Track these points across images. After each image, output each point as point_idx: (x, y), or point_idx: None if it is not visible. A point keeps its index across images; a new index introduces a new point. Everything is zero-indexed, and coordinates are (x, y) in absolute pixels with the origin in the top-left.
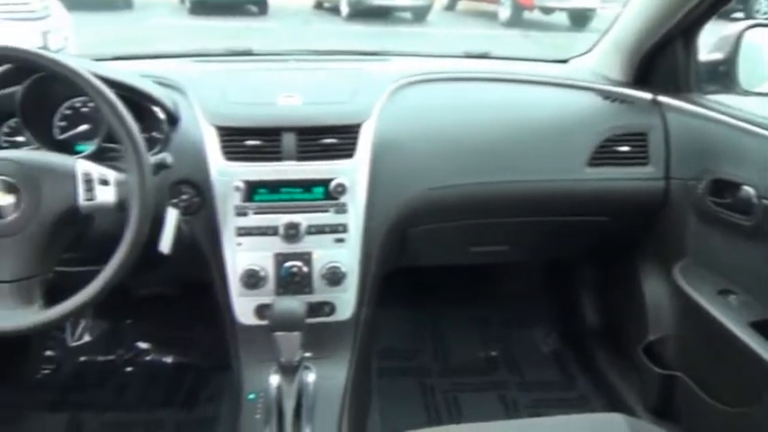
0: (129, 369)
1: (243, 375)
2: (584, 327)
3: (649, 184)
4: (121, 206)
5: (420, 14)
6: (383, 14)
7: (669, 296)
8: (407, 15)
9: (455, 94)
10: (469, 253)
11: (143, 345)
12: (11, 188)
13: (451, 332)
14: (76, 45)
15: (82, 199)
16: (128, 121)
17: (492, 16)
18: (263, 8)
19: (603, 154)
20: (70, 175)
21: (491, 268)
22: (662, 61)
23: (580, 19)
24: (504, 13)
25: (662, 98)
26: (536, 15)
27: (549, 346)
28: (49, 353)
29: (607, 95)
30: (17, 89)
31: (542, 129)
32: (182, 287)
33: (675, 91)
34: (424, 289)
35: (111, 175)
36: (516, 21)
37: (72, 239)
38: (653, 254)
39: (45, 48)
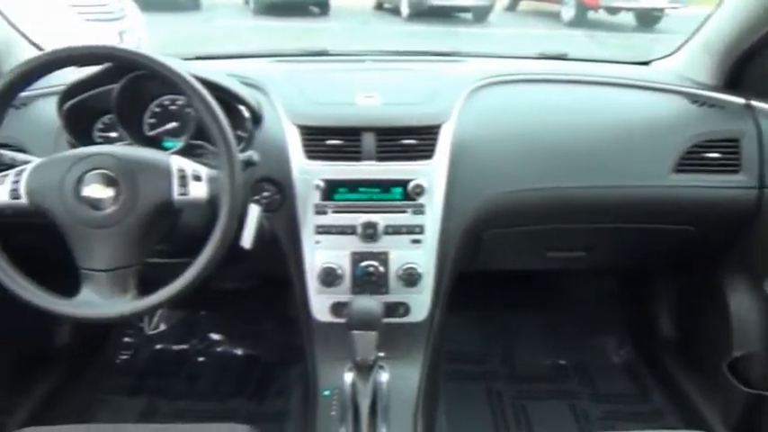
0: (201, 359)
1: (317, 372)
2: (659, 338)
3: (741, 192)
4: (212, 202)
5: (481, 15)
6: (444, 15)
7: (758, 311)
8: (468, 16)
9: (533, 96)
10: (545, 258)
11: (215, 336)
12: (111, 182)
13: (519, 338)
14: (149, 45)
15: (176, 194)
16: (222, 119)
17: (554, 16)
18: (324, 9)
19: (691, 160)
20: (165, 171)
21: (561, 274)
22: (756, 65)
23: (647, 20)
24: (568, 13)
25: (756, 103)
26: (601, 15)
27: (621, 357)
28: (127, 339)
29: (695, 99)
30: (114, 87)
31: (625, 133)
32: (255, 282)
33: None
34: (493, 293)
35: (204, 171)
36: (580, 21)
37: (163, 232)
38: (741, 266)
39: None
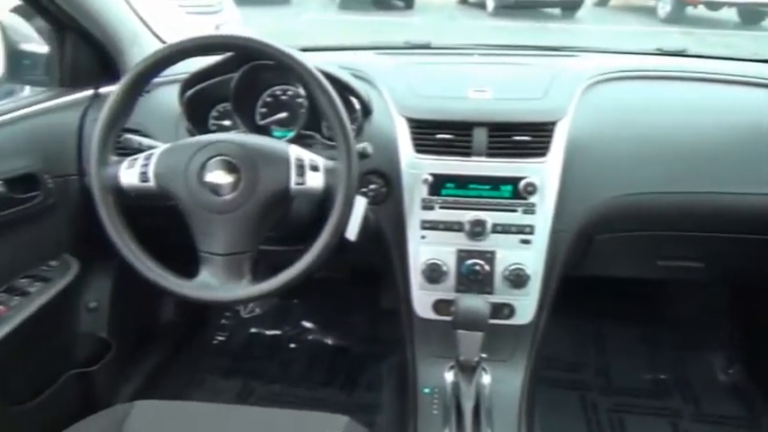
0: (293, 345)
1: (417, 368)
2: None
3: None
4: (327, 191)
5: (570, 10)
6: (530, 10)
7: None
8: (556, 11)
9: (652, 94)
10: (656, 267)
11: (307, 324)
12: (232, 168)
13: (617, 349)
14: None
15: (293, 182)
16: (342, 112)
17: (649, 12)
18: (409, 3)
19: None
20: (284, 160)
21: (665, 284)
22: None
23: (752, 16)
24: (664, 8)
25: None
26: (700, 11)
27: (729, 376)
28: (223, 321)
29: None
30: (232, 77)
31: (752, 135)
32: (349, 273)
33: None
34: (591, 298)
35: (321, 161)
36: (677, 17)
37: (275, 220)
38: None
39: None
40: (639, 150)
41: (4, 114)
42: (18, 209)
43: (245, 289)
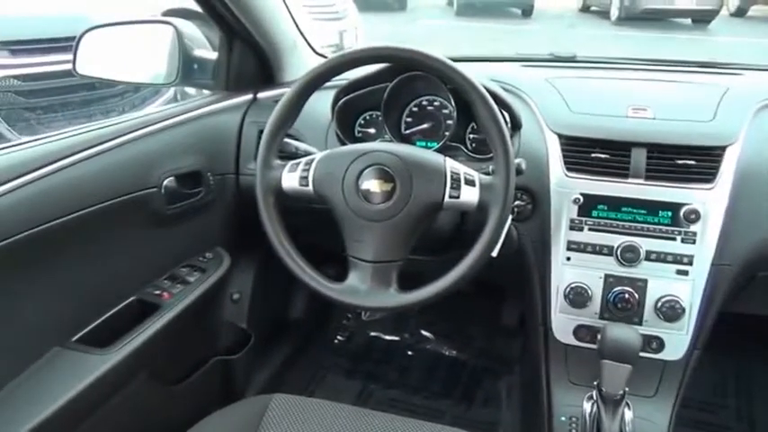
0: (410, 353)
1: (552, 394)
2: None
3: None
4: (481, 207)
5: (702, 21)
6: (658, 20)
7: None
8: (686, 21)
9: None
10: None
11: (426, 333)
12: (388, 178)
13: (762, 393)
14: (364, 43)
15: (447, 196)
16: (503, 127)
17: None
18: (527, 11)
19: None
20: (440, 173)
21: None
22: None
23: None
24: None
25: None
26: None
27: None
28: (345, 322)
29: None
30: (383, 86)
31: None
32: (473, 287)
33: None
34: (735, 337)
35: (477, 176)
36: None
37: (424, 231)
38: None
39: (340, 45)
40: None
41: (176, 116)
42: (185, 203)
43: (392, 298)
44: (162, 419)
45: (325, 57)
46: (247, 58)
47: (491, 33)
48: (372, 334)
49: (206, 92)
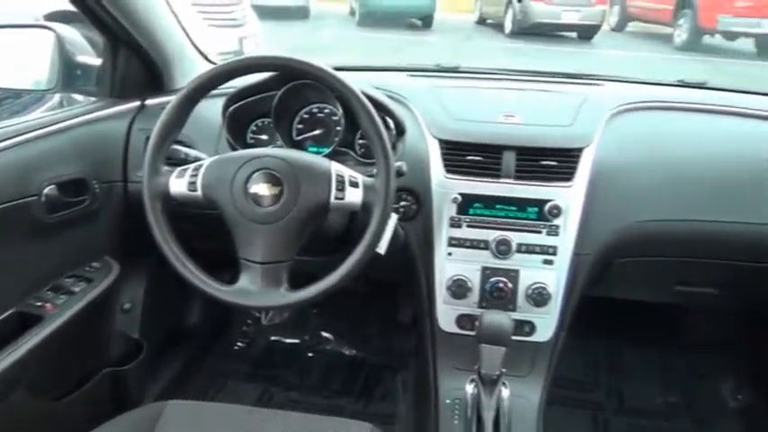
0: (311, 354)
1: (439, 380)
2: None
3: None
4: (365, 207)
5: (587, 35)
6: (547, 33)
7: None
8: (572, 35)
9: (674, 125)
10: (673, 292)
11: (325, 334)
12: (276, 181)
13: (630, 371)
14: (264, 50)
15: (333, 197)
16: (383, 131)
17: (666, 39)
18: (427, 22)
19: None
20: (326, 175)
21: (677, 309)
22: None
23: None
24: (680, 36)
25: None
26: (717, 40)
27: (738, 402)
28: (245, 329)
29: None
30: (273, 94)
31: None
32: (368, 287)
33: None
34: (605, 321)
35: (360, 177)
36: (694, 45)
37: (312, 232)
38: None
39: (240, 51)
40: (661, 179)
41: (58, 123)
42: (68, 211)
43: (282, 297)
44: None
45: (214, 64)
46: (133, 65)
47: (392, 44)
48: (273, 338)
49: (91, 99)
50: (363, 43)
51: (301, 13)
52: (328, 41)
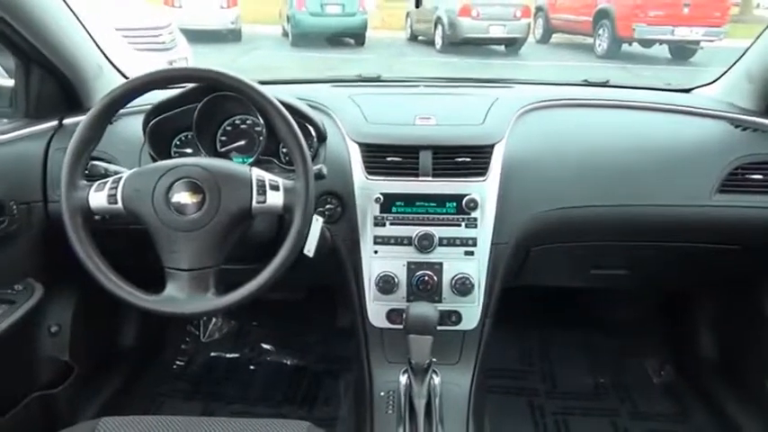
0: (252, 367)
1: (373, 374)
2: (701, 358)
3: None
4: (287, 209)
5: (513, 47)
6: (476, 47)
7: None
8: (500, 48)
9: (578, 120)
10: (589, 276)
11: (266, 346)
12: (197, 189)
13: (560, 356)
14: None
15: (255, 201)
16: (300, 137)
17: (587, 48)
18: (360, 40)
19: (734, 181)
20: (246, 181)
21: (603, 293)
22: None
23: (682, 52)
24: (601, 45)
25: None
26: (635, 48)
27: (661, 377)
28: (183, 347)
29: (738, 124)
30: (194, 107)
31: (667, 155)
32: (304, 294)
33: None
34: (534, 309)
35: (281, 181)
36: (614, 53)
37: (237, 237)
38: None
39: None
40: (568, 169)
41: None
42: None
43: (209, 301)
44: None
45: None
46: (48, 84)
47: (329, 62)
48: (213, 354)
49: (5, 120)
50: (299, 63)
51: (233, 36)
52: (263, 62)
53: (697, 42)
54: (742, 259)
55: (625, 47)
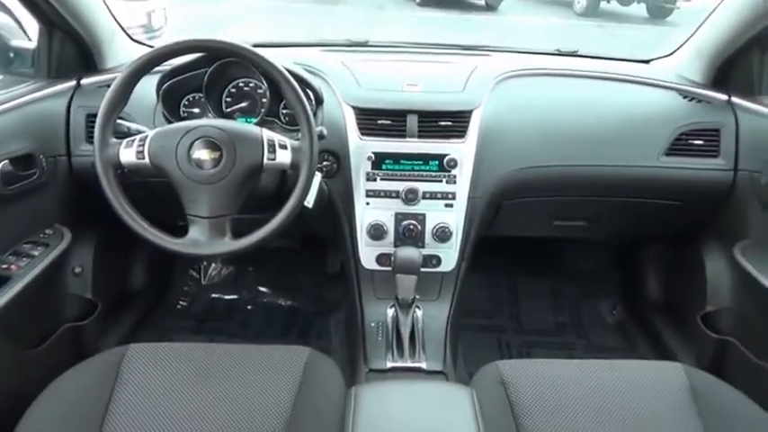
0: (250, 307)
1: (365, 309)
2: (647, 300)
3: (719, 174)
4: (293, 167)
5: (493, 2)
6: (456, 2)
7: (729, 272)
8: (480, 2)
9: (548, 88)
10: (553, 227)
11: (262, 289)
12: (215, 147)
13: (526, 299)
14: (172, 23)
15: (266, 158)
16: (304, 100)
17: (567, 5)
18: None
19: (679, 146)
20: (258, 140)
21: (565, 245)
22: (739, 66)
23: (659, 11)
24: (580, 3)
25: (736, 99)
26: (613, 6)
27: (613, 317)
28: (186, 288)
29: (686, 95)
30: (203, 71)
31: (624, 121)
32: (299, 242)
33: (749, 93)
34: (504, 258)
35: (288, 141)
36: (592, 11)
37: (250, 189)
38: (716, 235)
39: (149, 25)
40: (536, 133)
41: (6, 103)
42: (21, 184)
43: (227, 245)
44: (20, 380)
45: (142, 43)
46: (67, 47)
47: (302, 15)
48: (213, 296)
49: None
50: (273, 14)
51: None
52: (235, 12)
53: (674, 1)
54: (683, 214)
55: (604, 4)
